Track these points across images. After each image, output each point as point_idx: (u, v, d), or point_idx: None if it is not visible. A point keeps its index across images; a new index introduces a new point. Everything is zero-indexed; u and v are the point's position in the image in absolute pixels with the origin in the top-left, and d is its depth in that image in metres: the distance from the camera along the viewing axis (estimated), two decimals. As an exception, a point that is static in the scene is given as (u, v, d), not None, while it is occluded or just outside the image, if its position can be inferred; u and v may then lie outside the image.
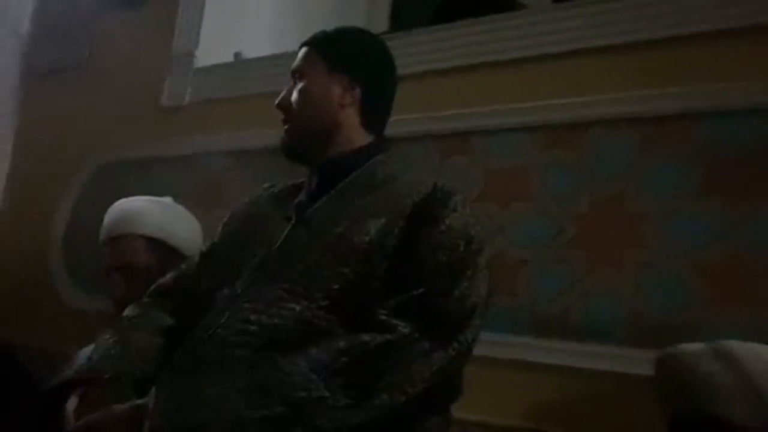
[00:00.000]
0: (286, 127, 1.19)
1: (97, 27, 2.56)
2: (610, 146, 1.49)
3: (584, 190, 1.49)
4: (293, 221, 1.12)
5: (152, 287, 1.27)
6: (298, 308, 1.00)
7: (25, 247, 2.47)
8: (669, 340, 1.20)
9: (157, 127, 2.26)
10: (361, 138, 1.18)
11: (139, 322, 1.16)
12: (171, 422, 0.91)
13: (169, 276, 1.28)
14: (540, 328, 1.47)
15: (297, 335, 0.98)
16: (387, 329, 0.95)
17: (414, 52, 1.73)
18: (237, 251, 1.15)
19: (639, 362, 1.29)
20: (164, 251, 1.56)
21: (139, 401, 0.97)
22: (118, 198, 1.67)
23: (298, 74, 1.19)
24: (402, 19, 2.45)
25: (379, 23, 2.46)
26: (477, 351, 1.03)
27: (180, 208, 1.68)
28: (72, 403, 1.02)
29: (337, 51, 1.19)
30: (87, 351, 1.42)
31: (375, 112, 1.20)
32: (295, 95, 1.18)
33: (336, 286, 1.01)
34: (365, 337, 0.95)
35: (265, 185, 1.30)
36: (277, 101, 1.20)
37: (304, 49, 1.21)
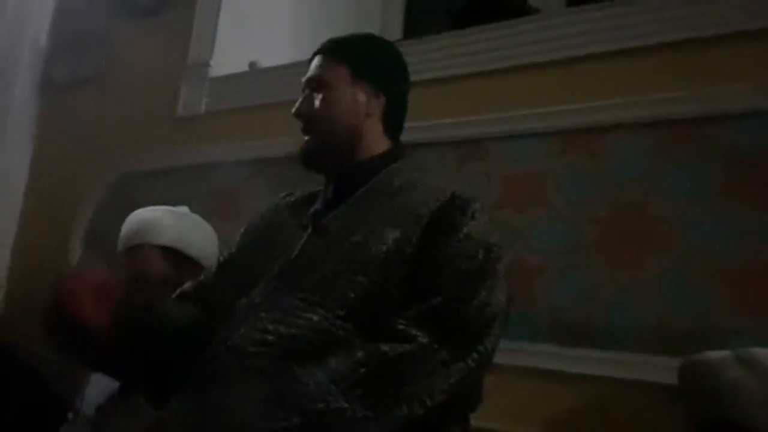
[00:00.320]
0: (307, 137, 1.16)
1: (112, 38, 2.58)
2: (628, 150, 1.48)
3: (602, 194, 1.48)
4: (309, 230, 1.10)
5: (173, 295, 1.27)
6: (315, 318, 0.99)
7: (44, 258, 2.49)
8: (692, 348, 1.18)
9: (172, 137, 2.27)
10: (381, 146, 1.16)
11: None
12: (189, 433, 0.91)
13: (188, 285, 1.27)
14: (560, 335, 1.45)
15: (314, 345, 0.97)
16: (405, 339, 0.94)
17: (430, 58, 1.74)
18: (255, 261, 1.14)
19: (661, 370, 1.28)
20: (181, 261, 1.56)
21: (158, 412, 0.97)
22: (136, 208, 1.67)
23: (315, 83, 1.16)
24: (416, 26, 2.46)
25: (394, 30, 2.46)
26: (495, 359, 1.01)
27: (196, 217, 1.68)
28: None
29: (358, 58, 1.16)
30: (98, 377, 1.43)
31: (397, 119, 1.19)
32: (318, 104, 1.14)
33: (353, 295, 1.00)
34: (384, 347, 0.93)
35: (282, 194, 1.29)
36: (294, 110, 1.16)
37: (319, 57, 1.17)
